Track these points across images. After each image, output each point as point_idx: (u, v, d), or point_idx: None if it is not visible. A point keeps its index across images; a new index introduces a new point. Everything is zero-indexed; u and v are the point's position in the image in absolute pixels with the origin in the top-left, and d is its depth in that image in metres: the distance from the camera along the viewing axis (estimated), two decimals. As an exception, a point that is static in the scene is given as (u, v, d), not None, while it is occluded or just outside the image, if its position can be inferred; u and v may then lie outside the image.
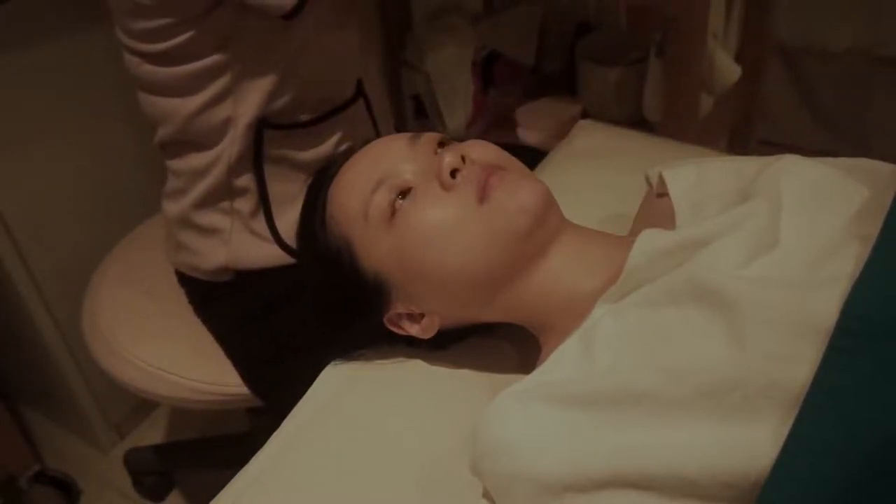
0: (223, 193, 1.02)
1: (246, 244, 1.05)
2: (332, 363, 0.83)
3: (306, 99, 1.02)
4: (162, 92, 0.98)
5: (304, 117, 1.03)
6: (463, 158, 0.70)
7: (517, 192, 0.69)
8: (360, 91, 1.13)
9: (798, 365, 0.51)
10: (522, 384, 0.63)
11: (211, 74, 0.94)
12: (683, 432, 0.54)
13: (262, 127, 0.99)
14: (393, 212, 0.70)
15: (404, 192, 0.70)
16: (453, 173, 0.69)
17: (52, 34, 1.38)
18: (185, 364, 1.15)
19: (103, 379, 1.23)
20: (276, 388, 1.11)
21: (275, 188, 1.03)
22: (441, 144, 0.75)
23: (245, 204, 1.03)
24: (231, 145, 0.98)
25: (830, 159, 0.70)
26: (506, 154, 0.74)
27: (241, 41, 0.93)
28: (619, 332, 0.62)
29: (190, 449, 1.68)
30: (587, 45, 1.55)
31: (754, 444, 0.51)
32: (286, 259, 1.06)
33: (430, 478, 0.70)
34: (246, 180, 1.02)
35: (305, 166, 1.04)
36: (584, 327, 0.65)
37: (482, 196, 0.68)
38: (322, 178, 0.78)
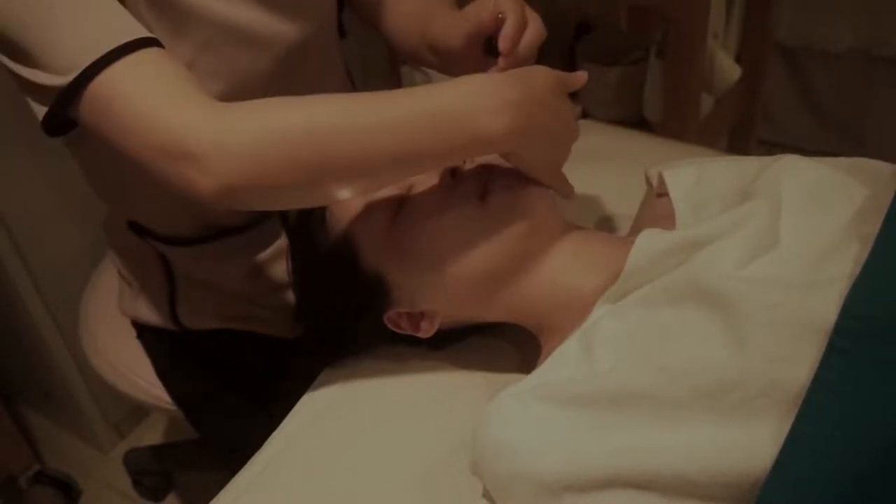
0: None
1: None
2: (332, 364, 0.83)
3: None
4: None
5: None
6: (463, 158, 0.70)
7: (517, 191, 0.69)
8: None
9: (797, 365, 0.51)
10: (522, 384, 0.63)
11: None
12: (683, 432, 0.54)
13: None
14: (394, 211, 0.70)
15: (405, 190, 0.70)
16: (454, 172, 0.69)
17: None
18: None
19: (103, 379, 1.23)
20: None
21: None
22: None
23: None
24: None
25: (830, 159, 0.70)
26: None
27: None
28: (618, 332, 0.62)
29: (189, 449, 1.67)
30: (587, 45, 1.54)
31: (754, 444, 0.51)
32: None
33: (430, 478, 0.70)
34: None
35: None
36: (584, 327, 0.65)
37: (483, 195, 0.68)
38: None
